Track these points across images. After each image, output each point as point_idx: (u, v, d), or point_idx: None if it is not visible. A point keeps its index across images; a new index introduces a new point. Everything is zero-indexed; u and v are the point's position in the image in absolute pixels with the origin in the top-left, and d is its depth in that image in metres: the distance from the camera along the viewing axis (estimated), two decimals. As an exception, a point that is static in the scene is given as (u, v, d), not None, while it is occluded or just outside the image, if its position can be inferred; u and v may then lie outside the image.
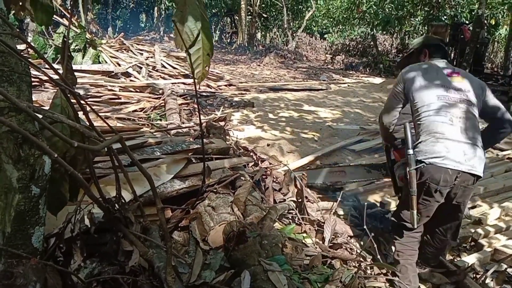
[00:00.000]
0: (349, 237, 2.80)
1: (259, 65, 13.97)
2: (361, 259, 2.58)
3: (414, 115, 2.41)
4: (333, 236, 2.74)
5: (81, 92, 4.54)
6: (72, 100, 1.65)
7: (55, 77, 1.57)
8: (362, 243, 2.73)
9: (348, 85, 10.64)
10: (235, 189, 3.04)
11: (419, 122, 2.36)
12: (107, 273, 2.08)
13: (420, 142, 2.30)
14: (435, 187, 2.24)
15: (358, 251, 2.67)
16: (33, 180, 1.44)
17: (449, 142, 2.22)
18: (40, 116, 1.48)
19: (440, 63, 2.50)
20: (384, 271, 2.57)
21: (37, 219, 1.47)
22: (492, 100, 2.44)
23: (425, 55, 2.63)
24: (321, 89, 9.59)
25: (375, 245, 2.61)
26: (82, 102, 1.62)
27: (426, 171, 2.24)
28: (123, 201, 1.91)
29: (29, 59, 1.54)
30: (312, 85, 9.98)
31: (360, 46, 18.31)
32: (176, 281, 1.78)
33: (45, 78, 1.66)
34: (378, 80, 12.14)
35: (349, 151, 4.96)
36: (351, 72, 14.48)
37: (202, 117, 5.36)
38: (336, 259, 2.54)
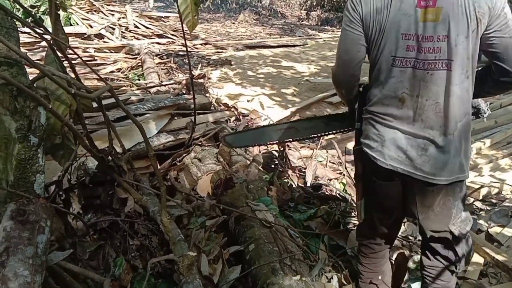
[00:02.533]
0: (328, 180, 2.98)
1: (233, 23, 13.75)
2: (339, 197, 2.77)
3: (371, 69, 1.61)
4: (314, 180, 2.91)
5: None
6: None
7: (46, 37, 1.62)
8: (341, 184, 2.91)
9: (324, 40, 10.67)
10: (219, 141, 3.16)
11: (368, 89, 1.64)
12: (103, 222, 2.21)
13: (364, 117, 1.65)
14: (374, 180, 1.65)
15: (337, 191, 2.86)
16: (31, 130, 1.51)
17: (388, 131, 1.54)
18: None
19: None
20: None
21: (37, 167, 1.55)
22: (506, 32, 1.40)
23: None
24: (298, 45, 9.60)
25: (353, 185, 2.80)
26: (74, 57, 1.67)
27: (367, 159, 1.62)
28: (115, 151, 2.00)
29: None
30: (288, 41, 9.97)
31: (334, 0, 18.13)
32: (172, 222, 1.92)
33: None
34: (353, 35, 12.16)
35: (327, 104, 5.11)
36: (326, 27, 14.42)
37: (180, 75, 5.37)
38: (317, 199, 2.73)
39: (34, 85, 1.52)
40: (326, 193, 2.79)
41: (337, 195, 2.72)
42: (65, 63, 1.77)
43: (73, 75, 1.84)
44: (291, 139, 2.71)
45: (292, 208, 2.56)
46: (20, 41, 1.61)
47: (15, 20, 1.56)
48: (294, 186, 2.80)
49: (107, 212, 2.24)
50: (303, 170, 3.01)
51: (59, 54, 1.73)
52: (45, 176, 1.97)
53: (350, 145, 3.84)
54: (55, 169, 1.92)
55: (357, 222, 2.47)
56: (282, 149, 3.17)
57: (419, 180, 1.50)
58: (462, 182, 1.57)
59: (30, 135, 1.51)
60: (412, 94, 1.46)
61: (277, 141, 2.84)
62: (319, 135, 2.67)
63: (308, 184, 2.85)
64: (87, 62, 5.11)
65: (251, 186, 2.51)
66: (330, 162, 3.36)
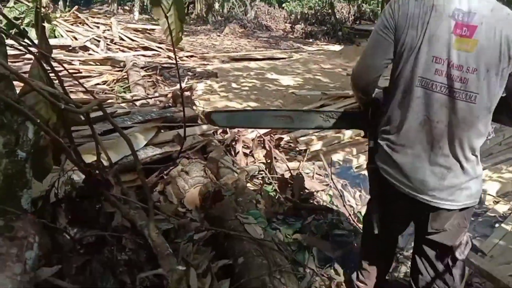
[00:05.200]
0: (316, 192, 3.01)
1: (219, 36, 13.84)
2: (327, 208, 2.79)
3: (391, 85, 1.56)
4: (302, 192, 2.93)
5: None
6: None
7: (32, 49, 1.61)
8: (328, 196, 2.94)
9: (309, 53, 10.82)
10: (207, 154, 3.16)
11: (387, 107, 1.58)
12: (90, 236, 2.18)
13: (380, 138, 1.62)
14: (392, 198, 1.64)
15: (325, 203, 2.88)
16: (18, 145, 1.50)
17: (406, 159, 1.52)
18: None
19: None
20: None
21: (25, 182, 1.53)
22: None
23: None
24: (283, 58, 9.71)
25: (341, 197, 2.84)
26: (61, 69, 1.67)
27: (382, 178, 1.62)
28: (102, 165, 1.99)
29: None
30: (274, 54, 10.08)
31: (318, 14, 18.43)
32: (160, 236, 1.90)
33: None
34: (337, 48, 12.36)
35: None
36: (310, 40, 14.63)
37: (166, 88, 5.38)
38: (305, 210, 2.75)
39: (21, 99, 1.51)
40: (314, 204, 2.82)
41: (325, 206, 2.75)
42: (52, 76, 1.77)
43: (60, 89, 1.84)
44: (283, 128, 2.82)
45: (281, 221, 2.57)
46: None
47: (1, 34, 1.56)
48: (282, 198, 2.82)
49: (94, 226, 2.22)
50: (291, 182, 3.03)
51: (46, 67, 1.72)
52: (32, 191, 1.95)
53: (336, 157, 3.89)
54: (43, 183, 1.89)
55: (343, 233, 2.52)
56: (269, 161, 3.19)
57: (434, 206, 1.51)
58: (474, 206, 1.59)
59: (17, 150, 1.50)
60: (433, 119, 1.44)
61: (267, 128, 2.93)
62: (314, 129, 2.59)
63: (296, 196, 2.87)
64: (73, 75, 5.08)
65: (240, 199, 2.52)
66: (317, 174, 3.39)
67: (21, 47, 1.66)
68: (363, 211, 2.43)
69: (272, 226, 2.50)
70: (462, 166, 1.47)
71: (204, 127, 3.39)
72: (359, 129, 2.23)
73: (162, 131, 3.24)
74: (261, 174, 3.18)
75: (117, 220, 2.11)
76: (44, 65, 1.71)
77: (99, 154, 1.93)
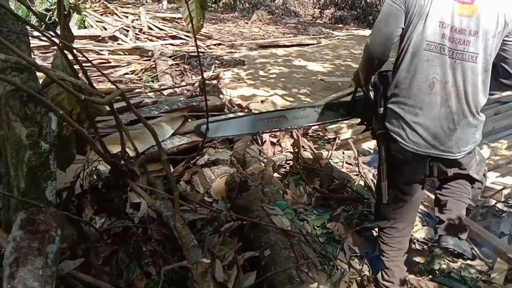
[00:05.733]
0: (345, 182, 2.91)
1: (247, 23, 13.71)
2: (357, 199, 2.69)
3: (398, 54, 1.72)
4: (331, 182, 2.85)
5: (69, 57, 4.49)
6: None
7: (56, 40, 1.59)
8: (358, 186, 2.84)
9: (338, 39, 10.55)
10: (233, 143, 3.12)
11: (395, 71, 1.73)
12: (117, 227, 2.19)
13: (389, 102, 1.75)
14: (402, 158, 1.75)
15: (355, 193, 2.79)
16: (42, 137, 1.49)
17: (419, 119, 1.65)
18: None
19: None
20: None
21: (49, 174, 1.53)
22: None
23: None
24: (311, 44, 9.50)
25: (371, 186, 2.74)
26: (82, 59, 1.65)
27: (391, 142, 1.76)
28: (128, 156, 1.97)
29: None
30: (302, 40, 9.88)
31: (348, -2, 17.96)
32: (185, 227, 1.88)
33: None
34: (367, 32, 12.01)
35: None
36: (340, 25, 14.26)
37: (193, 77, 5.36)
38: (334, 201, 2.66)
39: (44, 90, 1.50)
40: (344, 195, 2.73)
41: (355, 197, 2.65)
42: (76, 67, 1.75)
43: (85, 79, 1.83)
44: (278, 129, 2.74)
45: (308, 212, 2.51)
46: (36, 45, 1.59)
47: (25, 25, 1.55)
48: (310, 188, 2.74)
49: (121, 216, 2.23)
50: (319, 172, 2.95)
51: (71, 58, 1.70)
52: (57, 182, 1.96)
53: (366, 145, 3.76)
54: (68, 173, 1.90)
55: (373, 225, 2.42)
56: (297, 150, 3.12)
57: (444, 158, 1.70)
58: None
59: (41, 141, 1.49)
60: (441, 80, 1.60)
61: (261, 132, 2.80)
62: (310, 125, 2.64)
63: (325, 186, 2.78)
64: (101, 65, 5.14)
65: (267, 189, 2.47)
66: (346, 163, 3.29)
67: (45, 38, 1.65)
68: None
69: (299, 217, 2.44)
70: (468, 121, 1.65)
71: (230, 115, 3.34)
72: (355, 117, 2.42)
73: (189, 120, 3.22)
74: (289, 163, 3.11)
75: (143, 211, 2.11)
76: (69, 55, 1.70)
77: (124, 144, 1.91)
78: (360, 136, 3.95)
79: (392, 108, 1.72)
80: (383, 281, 2.00)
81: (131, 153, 2.42)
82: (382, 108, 1.79)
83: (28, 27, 1.59)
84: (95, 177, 1.92)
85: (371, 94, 1.96)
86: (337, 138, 3.82)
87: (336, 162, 3.21)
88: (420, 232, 2.55)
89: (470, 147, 1.71)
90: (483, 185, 1.94)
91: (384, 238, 1.98)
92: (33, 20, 6.97)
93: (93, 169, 1.94)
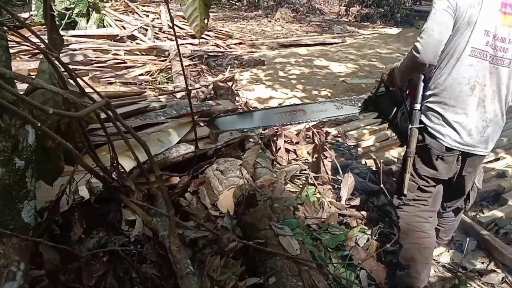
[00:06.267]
0: (365, 196, 2.68)
1: (270, 21, 13.46)
2: (379, 217, 2.45)
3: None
4: (350, 196, 2.61)
5: (80, 58, 4.39)
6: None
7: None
8: (379, 202, 2.59)
9: (364, 37, 10.19)
10: (244, 151, 2.93)
11: (435, 73, 1.84)
12: (113, 242, 2.03)
13: (428, 101, 1.86)
14: (437, 153, 1.85)
15: (375, 210, 2.55)
16: (17, 152, 1.33)
17: (459, 118, 1.78)
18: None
19: None
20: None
21: (25, 193, 1.37)
22: None
23: None
24: (335, 43, 9.20)
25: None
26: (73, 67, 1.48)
27: (428, 136, 1.86)
28: (121, 169, 1.80)
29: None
30: (326, 39, 9.58)
31: (375, -5, 17.45)
32: (181, 250, 1.70)
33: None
34: (394, 31, 11.58)
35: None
36: (366, 23, 13.84)
37: (210, 78, 5.18)
38: (352, 218, 2.43)
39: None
40: (365, 211, 2.49)
41: (377, 215, 2.41)
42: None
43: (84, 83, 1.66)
44: (296, 123, 2.82)
45: (323, 230, 2.28)
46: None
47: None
48: (326, 203, 2.51)
49: (118, 231, 2.07)
50: (339, 183, 2.71)
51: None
52: (46, 196, 1.80)
53: (390, 154, 3.49)
54: (56, 188, 1.74)
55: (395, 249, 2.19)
56: (316, 156, 2.88)
57: (472, 154, 1.84)
58: None
59: (15, 157, 1.33)
60: (481, 83, 1.75)
61: (278, 125, 2.98)
62: (328, 118, 2.81)
63: (343, 201, 2.55)
64: (116, 65, 5.03)
65: (276, 205, 2.26)
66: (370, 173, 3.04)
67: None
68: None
69: (312, 236, 2.23)
70: (497, 121, 1.83)
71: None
72: (373, 112, 2.57)
73: (201, 124, 3.04)
74: (304, 173, 2.88)
75: (138, 229, 1.94)
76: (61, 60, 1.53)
77: (114, 157, 1.74)
78: (383, 143, 3.69)
79: (431, 107, 1.85)
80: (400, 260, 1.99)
81: (130, 164, 2.27)
82: (418, 105, 1.88)
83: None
84: (86, 192, 1.77)
85: (404, 93, 2.08)
86: (358, 146, 3.57)
87: (357, 173, 2.97)
88: (445, 256, 2.29)
89: (493, 145, 1.89)
90: (478, 190, 2.20)
91: (402, 214, 2.01)
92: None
93: (86, 182, 1.77)
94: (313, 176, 2.75)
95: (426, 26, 1.74)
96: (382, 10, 15.15)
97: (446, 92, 1.78)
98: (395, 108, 2.20)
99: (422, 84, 1.88)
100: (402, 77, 1.96)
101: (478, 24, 1.68)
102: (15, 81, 1.38)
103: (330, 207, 2.53)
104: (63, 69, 1.56)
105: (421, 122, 1.86)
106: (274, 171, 2.63)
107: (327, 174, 2.79)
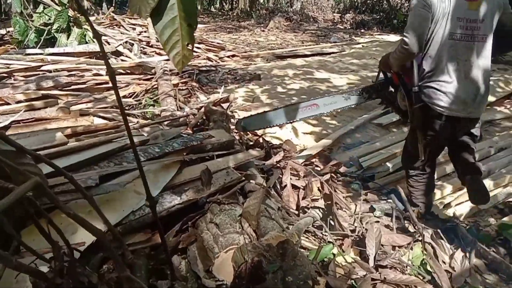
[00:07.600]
0: (397, 248, 2.16)
1: (263, 31, 13.03)
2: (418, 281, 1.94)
3: (425, 46, 2.32)
4: (378, 251, 2.10)
5: (50, 83, 3.85)
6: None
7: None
8: (413, 259, 2.08)
9: (363, 46, 9.75)
10: (244, 194, 2.41)
11: (427, 59, 2.32)
12: None
13: (424, 82, 2.35)
14: (438, 122, 2.33)
15: (411, 267, 2.03)
16: None
17: (451, 90, 2.25)
18: None
19: None
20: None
21: None
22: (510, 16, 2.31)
23: None
24: (334, 52, 8.75)
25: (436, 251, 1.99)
26: None
27: (429, 110, 2.35)
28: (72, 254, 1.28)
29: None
30: (323, 49, 9.13)
31: (369, 1, 17.13)
32: None
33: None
34: (393, 37, 11.18)
35: (375, 126, 4.26)
36: (362, 30, 13.45)
37: (202, 97, 4.67)
38: (388, 284, 1.91)
39: None
40: (396, 274, 1.97)
41: (418, 279, 1.90)
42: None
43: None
44: (312, 116, 3.32)
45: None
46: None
47: None
48: (353, 265, 1.99)
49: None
50: (359, 235, 2.20)
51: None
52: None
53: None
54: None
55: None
56: (329, 203, 2.37)
57: (468, 118, 2.34)
58: None
59: None
60: (464, 59, 2.25)
61: (297, 120, 3.38)
62: (339, 109, 3.34)
63: (371, 260, 2.03)
64: (97, 86, 4.50)
65: (289, 278, 1.74)
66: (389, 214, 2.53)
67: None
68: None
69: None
70: (484, 87, 2.29)
71: (239, 156, 2.62)
72: (377, 98, 3.32)
73: (193, 157, 2.52)
74: (317, 223, 2.36)
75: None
76: None
77: (61, 243, 1.21)
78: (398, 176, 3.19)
79: (429, 85, 2.32)
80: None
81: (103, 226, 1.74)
82: (417, 87, 2.36)
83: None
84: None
85: (401, 77, 2.55)
86: (375, 176, 3.07)
87: (379, 216, 2.45)
88: None
89: (484, 108, 2.37)
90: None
91: (412, 182, 2.68)
92: (31, 34, 6.44)
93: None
94: (330, 233, 2.22)
95: (409, 22, 2.28)
96: (378, 16, 14.81)
97: (437, 71, 2.28)
98: (394, 91, 2.71)
99: (416, 70, 2.34)
100: (397, 64, 2.46)
101: (451, 14, 2.21)
102: None
103: (354, 267, 2.01)
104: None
105: (421, 100, 2.36)
106: (282, 225, 2.11)
107: (343, 228, 2.27)
